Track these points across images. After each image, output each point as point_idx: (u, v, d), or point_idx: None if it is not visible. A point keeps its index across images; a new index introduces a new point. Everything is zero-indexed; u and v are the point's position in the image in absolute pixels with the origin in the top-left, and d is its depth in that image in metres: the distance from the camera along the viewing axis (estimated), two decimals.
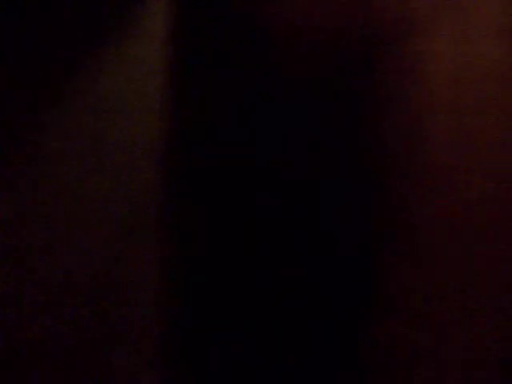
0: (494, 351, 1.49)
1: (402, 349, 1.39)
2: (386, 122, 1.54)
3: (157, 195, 1.58)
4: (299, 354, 1.41)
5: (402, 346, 1.40)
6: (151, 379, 1.61)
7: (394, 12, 1.42)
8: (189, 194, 1.67)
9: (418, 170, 1.54)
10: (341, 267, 1.46)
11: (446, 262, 1.50)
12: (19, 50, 1.63)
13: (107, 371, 1.67)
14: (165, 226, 1.56)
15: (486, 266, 1.48)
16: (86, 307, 1.65)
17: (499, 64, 1.55)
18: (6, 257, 1.65)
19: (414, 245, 1.50)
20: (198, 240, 1.62)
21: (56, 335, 1.66)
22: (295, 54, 1.59)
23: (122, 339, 1.63)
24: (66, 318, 1.64)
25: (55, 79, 1.61)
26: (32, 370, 1.65)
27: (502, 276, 1.48)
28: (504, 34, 1.48)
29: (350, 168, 1.54)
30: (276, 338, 1.43)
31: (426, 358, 1.38)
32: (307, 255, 1.51)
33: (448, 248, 1.51)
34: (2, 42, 1.62)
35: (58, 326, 1.65)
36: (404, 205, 1.49)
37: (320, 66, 1.59)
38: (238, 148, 1.56)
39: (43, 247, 1.64)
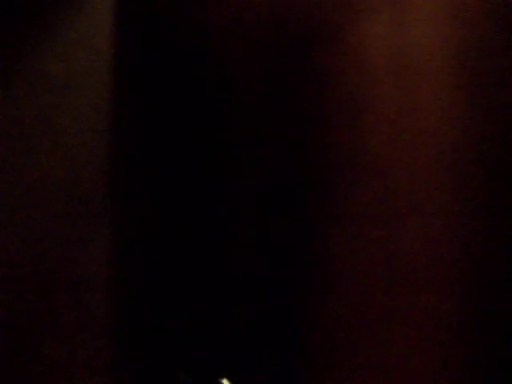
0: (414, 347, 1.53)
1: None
2: (326, 101, 1.59)
3: (106, 176, 1.60)
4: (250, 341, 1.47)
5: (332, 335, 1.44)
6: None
7: None
8: (137, 178, 1.64)
9: (358, 148, 1.62)
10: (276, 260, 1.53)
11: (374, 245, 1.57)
12: None
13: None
14: (114, 209, 1.55)
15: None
16: (30, 290, 1.62)
17: (437, 47, 1.60)
18: None
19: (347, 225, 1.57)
20: (145, 227, 1.62)
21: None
22: (236, 48, 1.59)
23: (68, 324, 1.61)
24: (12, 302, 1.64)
25: (2, 61, 1.61)
26: None
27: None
28: (442, 18, 1.50)
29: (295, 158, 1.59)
30: (222, 330, 1.50)
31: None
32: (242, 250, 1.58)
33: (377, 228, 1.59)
34: None
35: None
36: (341, 186, 1.56)
37: (262, 55, 1.60)
38: (185, 134, 1.58)
39: None
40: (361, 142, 1.65)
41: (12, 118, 1.60)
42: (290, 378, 1.62)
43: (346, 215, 1.65)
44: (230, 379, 1.65)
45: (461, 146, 1.66)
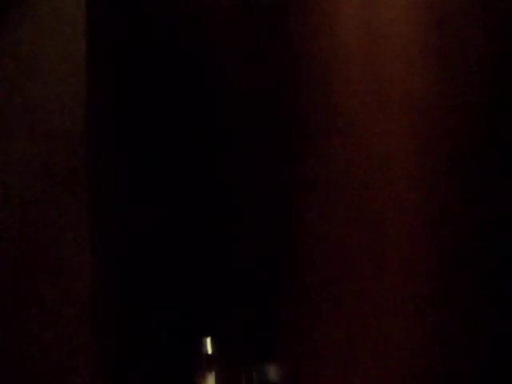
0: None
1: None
2: (298, 77, 1.63)
3: (84, 152, 1.58)
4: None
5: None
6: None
7: None
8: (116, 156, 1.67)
9: (331, 115, 1.66)
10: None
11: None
12: None
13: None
14: (93, 184, 1.57)
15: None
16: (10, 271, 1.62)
17: (405, 27, 1.65)
18: None
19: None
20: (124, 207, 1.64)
21: None
22: (207, 20, 1.62)
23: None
24: None
25: None
26: None
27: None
28: (411, 2, 1.55)
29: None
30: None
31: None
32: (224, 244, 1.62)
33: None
34: None
35: None
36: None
37: (234, 26, 1.64)
38: (163, 98, 1.61)
39: None
40: (334, 109, 1.68)
41: None
42: (269, 337, 1.67)
43: (320, 180, 1.69)
44: (212, 338, 1.70)
45: (432, 110, 1.70)
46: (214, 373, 1.68)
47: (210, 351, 1.68)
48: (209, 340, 1.68)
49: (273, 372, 1.69)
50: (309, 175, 1.69)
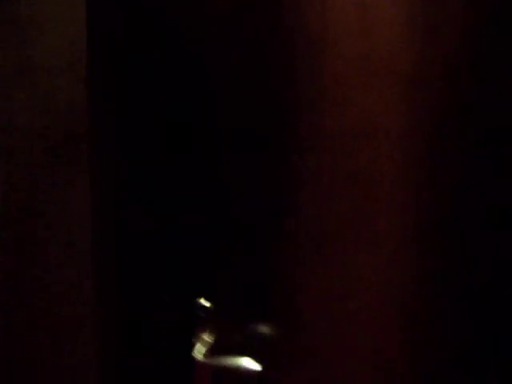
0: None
1: None
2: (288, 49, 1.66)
3: (83, 115, 1.58)
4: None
5: None
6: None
7: None
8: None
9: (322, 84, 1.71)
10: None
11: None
12: None
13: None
14: (93, 155, 1.59)
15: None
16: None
17: (391, 11, 1.70)
18: None
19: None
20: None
21: None
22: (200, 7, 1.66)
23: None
24: None
25: None
26: None
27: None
28: None
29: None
30: None
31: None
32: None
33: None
34: None
35: None
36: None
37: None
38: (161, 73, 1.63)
39: None
40: (324, 82, 1.73)
41: None
42: (264, 296, 1.72)
43: (310, 147, 1.74)
44: (209, 297, 1.74)
45: (418, 78, 1.74)
46: (211, 331, 1.72)
47: (206, 310, 1.72)
48: (205, 299, 1.72)
49: (267, 329, 1.74)
50: (301, 143, 1.73)
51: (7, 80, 1.60)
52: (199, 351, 1.69)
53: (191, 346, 1.70)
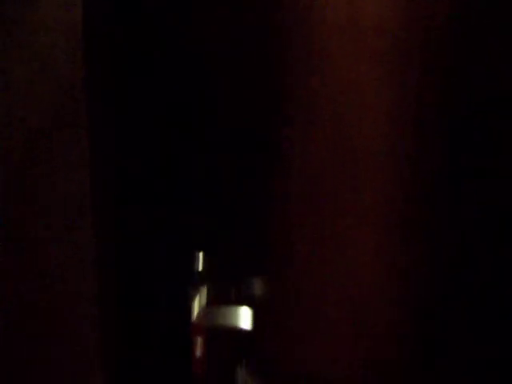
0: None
1: None
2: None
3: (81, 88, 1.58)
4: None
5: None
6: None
7: None
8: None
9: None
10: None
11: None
12: None
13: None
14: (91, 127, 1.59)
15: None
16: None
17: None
18: None
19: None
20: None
21: None
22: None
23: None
24: None
25: None
26: None
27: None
28: None
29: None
30: None
31: None
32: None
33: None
34: None
35: None
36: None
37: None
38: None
39: None
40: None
41: None
42: (257, 253, 1.75)
43: (299, 115, 1.76)
44: (204, 254, 1.75)
45: (403, 43, 1.75)
46: (205, 287, 1.73)
47: (201, 266, 1.73)
48: (201, 255, 1.74)
49: (260, 286, 1.77)
50: (289, 111, 1.75)
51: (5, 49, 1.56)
52: (195, 313, 1.70)
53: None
